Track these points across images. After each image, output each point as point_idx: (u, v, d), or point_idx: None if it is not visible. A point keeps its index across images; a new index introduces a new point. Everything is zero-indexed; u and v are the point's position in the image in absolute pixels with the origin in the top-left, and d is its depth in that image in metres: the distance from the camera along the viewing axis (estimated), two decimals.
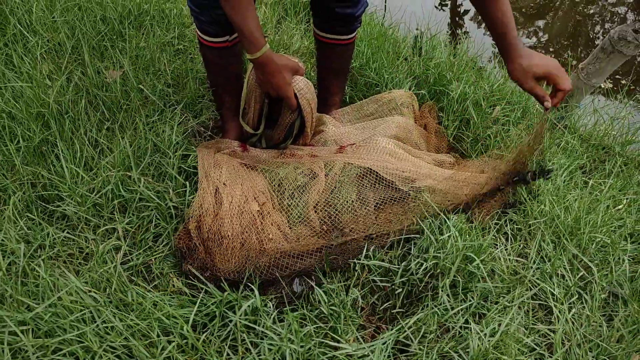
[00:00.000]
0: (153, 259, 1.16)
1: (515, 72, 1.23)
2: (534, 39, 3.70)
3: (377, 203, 1.34)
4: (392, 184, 1.36)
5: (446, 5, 4.16)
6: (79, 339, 0.91)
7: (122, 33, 1.79)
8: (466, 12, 4.05)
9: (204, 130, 1.62)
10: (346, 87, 1.87)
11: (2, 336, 0.86)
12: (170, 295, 1.07)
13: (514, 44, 1.22)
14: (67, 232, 1.15)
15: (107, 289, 1.03)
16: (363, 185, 1.36)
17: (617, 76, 3.14)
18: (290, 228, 1.27)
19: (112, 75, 1.58)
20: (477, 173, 1.41)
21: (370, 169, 1.36)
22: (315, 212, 1.30)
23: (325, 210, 1.31)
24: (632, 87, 2.89)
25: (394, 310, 1.12)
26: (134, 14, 1.89)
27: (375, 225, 1.28)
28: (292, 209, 1.30)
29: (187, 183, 1.29)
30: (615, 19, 3.93)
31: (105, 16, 1.82)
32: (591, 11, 3.97)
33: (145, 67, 1.67)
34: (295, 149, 1.55)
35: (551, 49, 3.53)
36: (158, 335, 0.95)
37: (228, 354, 0.97)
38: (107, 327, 0.94)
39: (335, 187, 1.37)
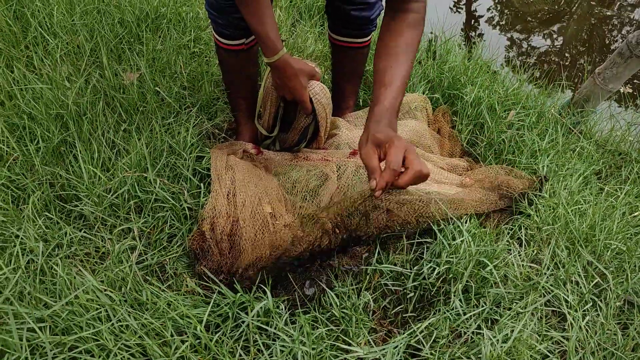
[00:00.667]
0: (167, 259, 1.17)
1: (361, 136, 1.05)
2: (549, 43, 3.67)
3: (389, 206, 1.35)
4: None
5: (461, 8, 4.14)
6: (94, 337, 0.92)
7: (140, 36, 1.82)
8: (481, 15, 4.03)
9: (218, 132, 1.63)
10: (360, 91, 1.87)
11: (21, 332, 0.88)
12: (183, 295, 1.09)
13: (378, 111, 1.02)
14: (84, 232, 1.17)
15: (123, 288, 1.04)
16: None
17: (636, 80, 3.09)
18: (302, 231, 1.27)
19: (129, 78, 1.61)
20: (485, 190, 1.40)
21: None
22: (327, 215, 1.31)
23: (337, 213, 1.31)
24: None
25: (406, 315, 1.12)
26: (151, 17, 1.92)
27: (386, 228, 1.28)
28: (304, 211, 1.31)
29: (202, 185, 1.30)
30: (634, 22, 3.88)
31: (123, 19, 1.85)
32: (608, 13, 3.92)
33: (161, 69, 1.70)
34: (308, 152, 1.56)
35: (567, 54, 3.50)
36: (172, 335, 0.96)
37: (240, 355, 0.98)
38: (122, 326, 0.96)
39: (347, 191, 1.37)
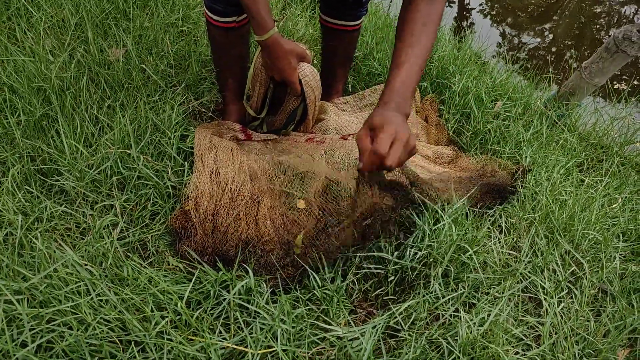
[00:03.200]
0: (149, 237, 1.16)
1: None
2: (538, 37, 3.69)
3: (374, 191, 1.35)
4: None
5: (454, 2, 4.14)
6: (73, 310, 0.92)
7: (127, 12, 1.78)
8: (473, 8, 4.04)
9: (205, 111, 1.62)
10: (349, 76, 1.87)
11: None
12: (165, 272, 1.08)
13: (388, 93, 1.02)
14: (65, 207, 1.16)
15: (103, 264, 1.04)
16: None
17: (625, 76, 3.14)
18: (288, 213, 1.27)
19: (115, 54, 1.58)
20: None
21: None
22: (314, 197, 1.31)
23: (324, 197, 1.32)
24: None
25: (386, 297, 1.13)
26: None
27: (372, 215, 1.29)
28: (290, 193, 1.31)
29: (186, 163, 1.29)
30: (623, 21, 3.92)
31: None
32: (598, 10, 3.96)
33: (148, 47, 1.67)
34: (296, 136, 1.55)
35: (554, 49, 3.53)
36: (152, 310, 0.96)
37: (220, 332, 0.98)
38: (101, 300, 0.96)
39: (334, 175, 1.37)
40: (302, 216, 1.28)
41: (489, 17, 3.99)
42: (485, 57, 2.29)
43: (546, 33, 3.77)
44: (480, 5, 4.09)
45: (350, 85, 1.89)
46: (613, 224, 1.39)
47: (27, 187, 1.17)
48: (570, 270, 1.23)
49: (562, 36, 3.69)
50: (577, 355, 1.07)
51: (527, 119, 1.77)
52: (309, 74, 1.40)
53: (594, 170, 1.66)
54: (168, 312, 0.97)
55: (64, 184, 1.19)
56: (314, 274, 1.09)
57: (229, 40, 1.45)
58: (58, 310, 0.91)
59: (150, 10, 1.86)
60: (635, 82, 3.11)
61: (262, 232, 1.22)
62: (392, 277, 1.13)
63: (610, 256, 1.29)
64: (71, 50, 1.56)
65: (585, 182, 1.51)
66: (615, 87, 3.00)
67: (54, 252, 1.01)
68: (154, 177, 1.22)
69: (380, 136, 0.97)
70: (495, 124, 1.68)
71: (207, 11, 1.40)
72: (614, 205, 1.45)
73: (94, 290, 0.96)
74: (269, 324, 0.97)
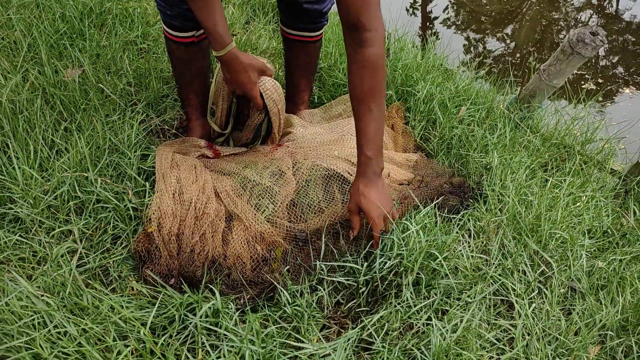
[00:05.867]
0: (111, 262, 1.12)
1: (352, 188, 1.19)
2: (502, 44, 3.79)
3: (343, 202, 1.34)
4: None
5: (417, 9, 4.23)
6: (28, 345, 0.87)
7: (83, 32, 1.74)
8: (437, 17, 4.12)
9: (168, 129, 1.58)
10: (315, 88, 1.86)
11: None
12: (128, 298, 1.04)
13: (363, 162, 1.16)
14: (20, 235, 1.10)
15: (61, 293, 0.99)
16: (330, 185, 1.35)
17: (587, 75, 3.25)
18: (255, 228, 1.25)
19: (70, 74, 1.53)
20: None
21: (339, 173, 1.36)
22: (282, 212, 1.29)
23: (292, 210, 1.30)
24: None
25: (359, 309, 1.11)
26: (95, 12, 1.84)
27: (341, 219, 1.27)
28: (258, 209, 1.28)
29: (147, 184, 1.26)
30: (579, 25, 4.07)
31: (64, 14, 1.76)
32: (555, 16, 4.10)
33: (106, 66, 1.63)
34: (263, 150, 1.53)
35: (518, 55, 3.62)
36: (114, 340, 0.92)
37: (187, 357, 0.95)
38: (59, 333, 0.91)
39: (302, 187, 1.36)
40: (270, 231, 1.26)
41: (451, 24, 4.08)
42: (448, 64, 2.32)
43: (507, 37, 3.87)
44: (444, 12, 4.18)
45: (316, 97, 1.89)
46: (578, 222, 1.41)
47: None
48: (540, 271, 1.24)
49: (523, 40, 3.80)
50: (550, 355, 1.07)
51: (491, 122, 1.80)
52: (270, 88, 1.38)
53: (557, 170, 1.69)
54: (131, 340, 0.92)
55: (18, 212, 1.13)
56: (283, 289, 1.07)
57: (188, 56, 1.43)
58: (11, 347, 0.85)
59: (107, 28, 1.82)
60: (600, 81, 3.22)
61: (229, 250, 1.19)
62: (364, 288, 1.12)
63: (578, 254, 1.30)
64: (24, 72, 1.51)
65: (550, 181, 1.54)
66: (584, 86, 3.12)
67: (7, 285, 0.95)
68: (114, 200, 1.18)
69: (373, 225, 1.16)
70: (460, 129, 1.70)
71: (165, 27, 1.38)
72: (578, 204, 1.48)
73: (51, 322, 0.91)
74: (237, 346, 0.94)
